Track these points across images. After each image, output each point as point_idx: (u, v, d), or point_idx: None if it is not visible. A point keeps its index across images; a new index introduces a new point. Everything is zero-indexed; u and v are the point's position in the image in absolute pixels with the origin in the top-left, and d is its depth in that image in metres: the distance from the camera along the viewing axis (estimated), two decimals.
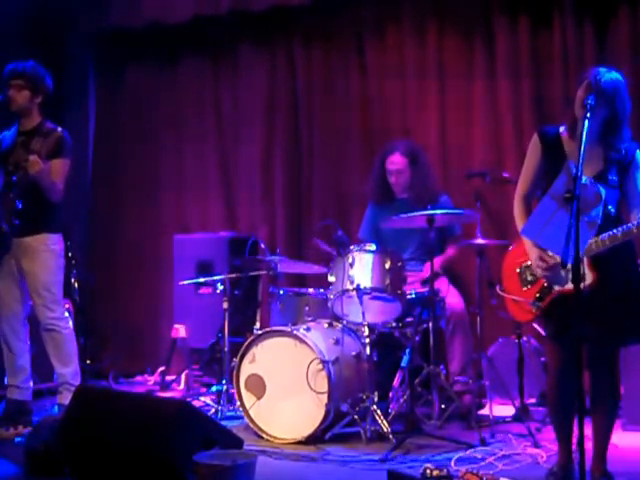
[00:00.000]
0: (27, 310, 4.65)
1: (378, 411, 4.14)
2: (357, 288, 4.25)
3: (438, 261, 4.71)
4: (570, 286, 3.11)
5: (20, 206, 4.46)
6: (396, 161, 5.00)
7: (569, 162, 3.00)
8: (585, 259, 3.09)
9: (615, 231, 3.07)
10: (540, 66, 5.33)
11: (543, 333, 3.68)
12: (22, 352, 4.64)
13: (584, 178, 2.94)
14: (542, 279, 3.27)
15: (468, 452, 3.89)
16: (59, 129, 4.50)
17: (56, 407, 4.65)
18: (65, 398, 4.40)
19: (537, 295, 3.30)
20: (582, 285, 2.97)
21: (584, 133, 2.89)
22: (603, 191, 3.07)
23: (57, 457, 3.42)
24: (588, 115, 2.99)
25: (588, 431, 3.10)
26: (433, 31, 5.61)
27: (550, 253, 3.18)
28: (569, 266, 2.68)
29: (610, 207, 3.15)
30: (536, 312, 3.31)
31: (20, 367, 4.64)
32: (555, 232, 2.88)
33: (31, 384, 4.72)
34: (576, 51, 5.21)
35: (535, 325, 4.41)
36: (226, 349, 4.81)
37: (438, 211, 4.39)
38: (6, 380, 4.70)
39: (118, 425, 3.34)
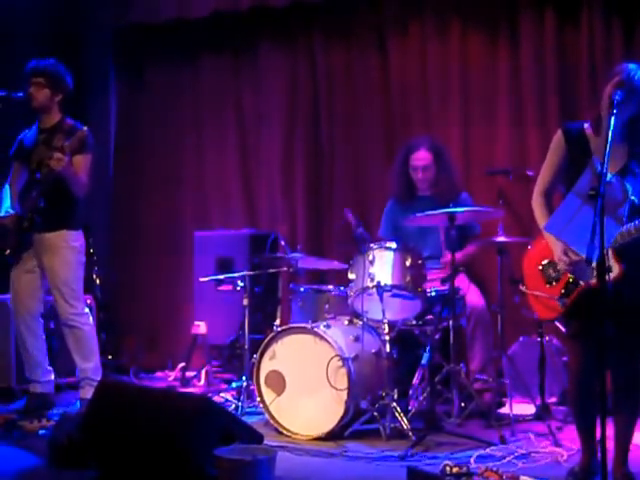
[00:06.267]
0: (41, 307, 4.69)
1: (398, 408, 4.13)
2: (377, 285, 4.25)
3: (459, 258, 4.69)
4: (596, 280, 3.08)
5: (42, 203, 4.49)
6: (422, 157, 4.98)
7: (594, 159, 2.97)
8: (610, 251, 3.05)
9: None
10: (566, 62, 5.29)
11: (565, 332, 3.64)
12: (37, 348, 4.70)
13: (609, 176, 2.90)
14: (567, 275, 3.23)
15: (488, 450, 3.87)
16: (82, 127, 4.51)
17: (78, 401, 4.70)
18: (87, 392, 4.44)
19: (562, 291, 3.25)
20: (608, 278, 2.93)
21: (610, 129, 2.86)
22: (630, 189, 3.04)
23: (80, 450, 3.46)
24: (614, 111, 2.95)
25: (610, 431, 3.08)
26: (456, 26, 5.57)
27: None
28: (594, 263, 2.65)
29: (634, 198, 3.10)
30: (562, 308, 3.27)
31: (36, 363, 4.70)
32: (579, 229, 2.86)
33: (52, 377, 4.78)
34: (603, 48, 5.16)
35: (557, 324, 4.37)
36: (246, 346, 4.83)
37: (460, 209, 4.37)
38: (27, 374, 4.76)
39: (139, 419, 3.36)
